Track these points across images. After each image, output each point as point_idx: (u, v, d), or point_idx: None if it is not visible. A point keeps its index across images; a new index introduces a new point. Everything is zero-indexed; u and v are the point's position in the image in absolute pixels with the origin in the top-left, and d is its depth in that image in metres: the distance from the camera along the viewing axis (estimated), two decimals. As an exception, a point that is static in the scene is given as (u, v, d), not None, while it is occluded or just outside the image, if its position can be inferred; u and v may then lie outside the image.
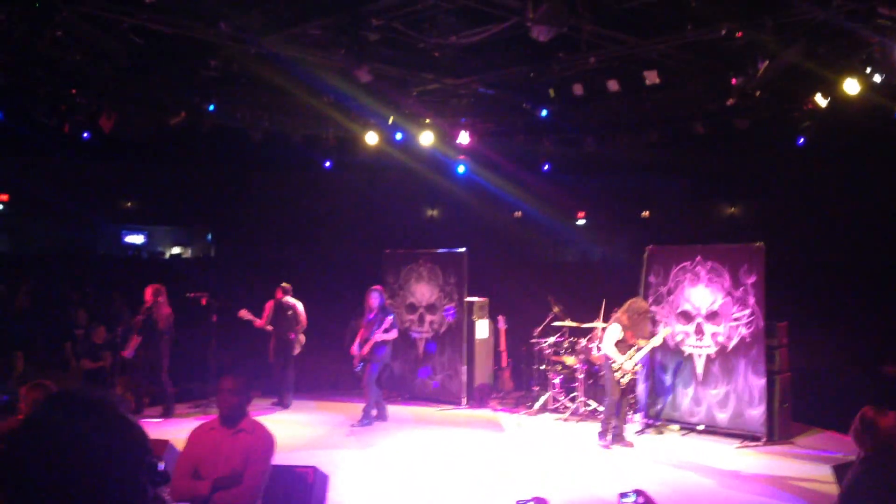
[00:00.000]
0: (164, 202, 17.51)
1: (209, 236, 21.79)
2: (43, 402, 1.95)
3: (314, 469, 5.87)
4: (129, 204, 18.07)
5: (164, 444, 6.79)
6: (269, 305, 12.68)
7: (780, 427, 10.52)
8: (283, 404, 12.52)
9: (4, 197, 16.27)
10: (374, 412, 11.53)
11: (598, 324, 11.62)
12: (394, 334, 11.59)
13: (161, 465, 1.95)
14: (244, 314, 12.48)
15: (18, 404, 6.50)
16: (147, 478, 1.91)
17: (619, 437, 10.18)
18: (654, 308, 11.43)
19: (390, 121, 11.59)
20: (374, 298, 11.55)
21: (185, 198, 16.93)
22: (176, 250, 22.76)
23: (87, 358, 12.82)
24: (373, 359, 11.43)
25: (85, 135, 11.63)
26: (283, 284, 12.84)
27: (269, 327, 12.65)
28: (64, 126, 11.01)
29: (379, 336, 11.43)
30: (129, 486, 1.87)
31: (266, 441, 5.20)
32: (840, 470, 6.15)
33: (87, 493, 1.80)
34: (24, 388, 6.20)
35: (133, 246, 21.39)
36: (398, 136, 12.39)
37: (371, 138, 12.30)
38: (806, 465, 9.46)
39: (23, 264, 16.49)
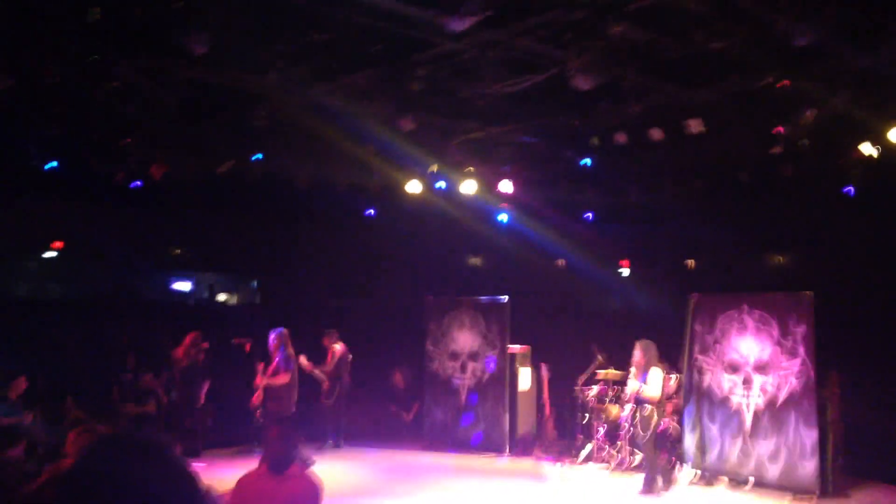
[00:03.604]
0: (211, 249, 17.76)
1: (255, 283, 22.02)
2: (95, 445, 1.93)
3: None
4: (178, 251, 18.35)
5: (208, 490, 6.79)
6: (338, 352, 12.81)
7: (833, 481, 10.21)
8: (336, 446, 12.78)
9: (59, 244, 16.63)
10: None
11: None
12: (283, 378, 10.84)
13: None
14: (304, 363, 12.50)
15: (65, 448, 6.58)
16: None
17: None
18: (699, 357, 11.25)
19: (433, 169, 11.68)
20: (270, 341, 11.06)
21: (231, 245, 17.16)
22: (222, 297, 23.02)
23: (132, 402, 12.98)
24: (273, 407, 10.81)
25: (136, 183, 11.92)
26: (330, 331, 13.02)
27: (323, 376, 12.76)
28: (116, 174, 11.31)
29: (263, 380, 10.89)
30: None
31: (314, 489, 5.18)
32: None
33: None
34: (72, 432, 6.27)
35: (180, 293, 21.69)
36: (441, 184, 12.48)
37: (414, 186, 12.40)
38: (861, 522, 9.15)
39: (75, 310, 16.80)
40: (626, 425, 11.49)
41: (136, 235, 16.22)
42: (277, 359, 10.98)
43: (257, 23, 7.53)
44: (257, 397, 11.11)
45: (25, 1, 7.14)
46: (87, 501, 1.79)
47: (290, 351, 11.10)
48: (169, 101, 8.95)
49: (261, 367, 11.15)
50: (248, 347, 12.10)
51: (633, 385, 10.50)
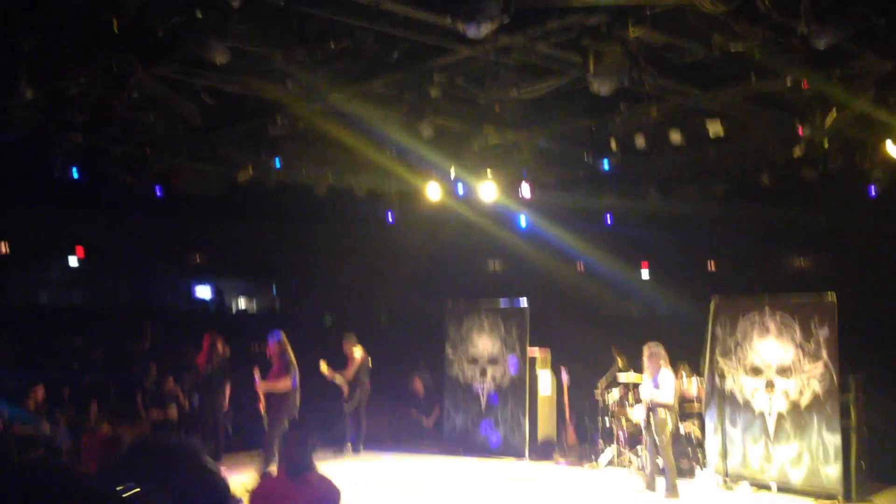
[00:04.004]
0: (232, 256, 17.89)
1: (274, 289, 22.14)
2: (128, 449, 1.98)
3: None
4: (198, 258, 18.50)
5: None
6: (359, 360, 12.86)
7: (857, 486, 10.09)
8: (356, 451, 12.89)
9: (81, 251, 16.80)
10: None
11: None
12: (284, 384, 10.56)
13: None
14: (325, 368, 12.59)
15: (84, 455, 6.63)
16: None
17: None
18: (720, 360, 11.18)
19: (452, 174, 11.69)
20: (269, 346, 10.85)
21: (251, 252, 17.29)
22: (242, 303, 23.16)
23: (154, 408, 13.08)
24: (274, 414, 10.56)
25: (157, 191, 12.02)
26: (349, 335, 13.06)
27: (344, 382, 12.83)
28: (137, 183, 11.40)
29: (264, 386, 10.69)
30: None
31: (332, 493, 5.18)
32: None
33: None
34: (86, 436, 6.32)
35: (202, 299, 21.84)
36: (460, 189, 12.49)
37: (433, 192, 12.42)
38: (887, 527, 9.05)
39: (97, 317, 16.95)
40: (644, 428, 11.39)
41: (157, 243, 16.36)
42: (278, 364, 10.79)
43: (276, 32, 7.58)
44: (261, 403, 11.00)
45: (48, 13, 7.22)
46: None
47: (290, 356, 10.89)
48: (189, 110, 9.01)
49: (256, 371, 11.04)
50: (267, 353, 12.15)
51: (645, 389, 10.43)
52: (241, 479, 10.29)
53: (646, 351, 10.44)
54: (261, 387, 10.86)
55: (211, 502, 1.94)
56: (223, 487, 1.97)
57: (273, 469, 9.40)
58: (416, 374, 14.99)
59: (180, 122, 9.77)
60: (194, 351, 13.05)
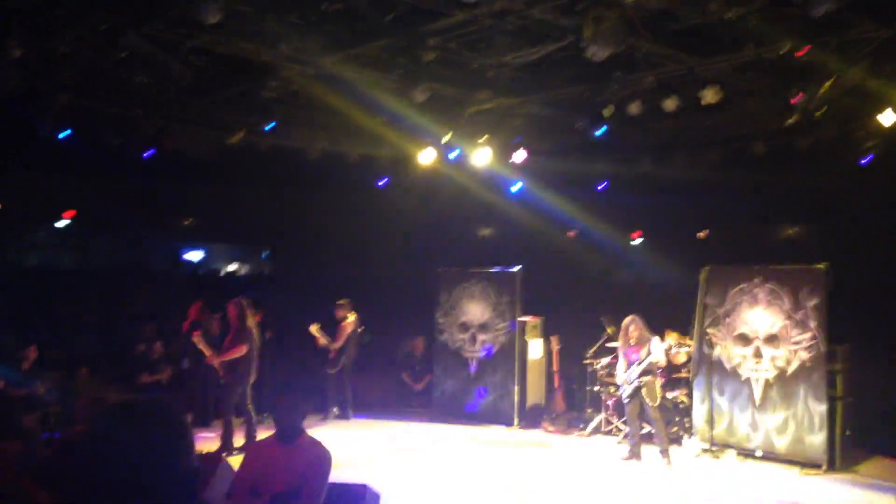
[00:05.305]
0: (222, 220, 17.81)
1: (264, 254, 22.07)
2: (102, 414, 2.03)
3: (365, 487, 5.88)
4: (188, 221, 18.42)
5: (218, 460, 6.84)
6: (349, 323, 12.90)
7: (842, 455, 10.22)
8: (344, 416, 12.96)
9: (71, 213, 16.72)
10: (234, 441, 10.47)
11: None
12: (239, 351, 10.41)
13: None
14: (315, 331, 12.66)
15: (75, 416, 6.72)
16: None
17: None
18: (710, 330, 11.24)
19: (445, 140, 11.62)
20: (229, 308, 10.66)
21: (241, 216, 17.21)
22: (231, 267, 23.10)
23: (144, 372, 13.10)
24: (227, 380, 10.55)
25: (147, 153, 11.92)
26: (343, 301, 13.07)
27: (333, 345, 12.87)
28: (128, 145, 11.30)
29: (217, 359, 10.60)
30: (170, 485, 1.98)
31: (324, 457, 5.20)
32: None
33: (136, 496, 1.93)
34: (81, 400, 6.41)
35: (191, 263, 21.80)
36: (453, 155, 12.43)
37: (426, 157, 12.35)
38: (870, 494, 9.17)
39: (87, 279, 16.90)
40: (626, 399, 11.39)
41: (148, 206, 16.27)
42: (234, 327, 10.59)
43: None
44: (220, 371, 10.77)
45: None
46: (93, 466, 1.93)
47: (248, 322, 10.66)
48: (179, 71, 8.91)
49: (197, 334, 10.85)
50: (258, 318, 12.15)
51: (655, 355, 10.50)
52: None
53: (633, 324, 10.54)
54: (213, 360, 10.72)
55: (184, 458, 2.02)
56: (192, 447, 2.08)
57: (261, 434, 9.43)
58: (419, 335, 15.00)
59: (171, 83, 9.65)
60: (183, 314, 13.02)
